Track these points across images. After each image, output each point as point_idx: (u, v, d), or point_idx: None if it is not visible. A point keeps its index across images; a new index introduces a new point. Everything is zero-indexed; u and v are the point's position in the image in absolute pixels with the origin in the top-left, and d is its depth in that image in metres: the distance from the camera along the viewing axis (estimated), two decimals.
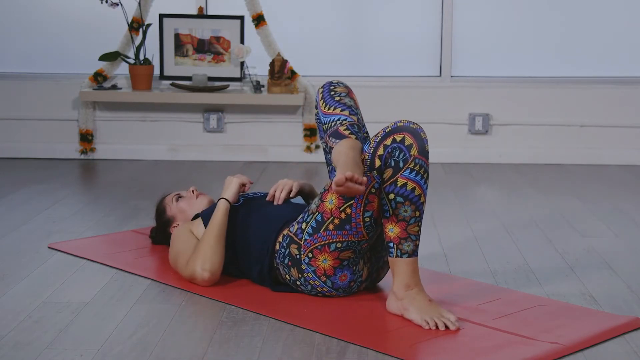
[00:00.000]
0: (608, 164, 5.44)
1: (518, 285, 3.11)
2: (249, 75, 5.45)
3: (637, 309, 2.87)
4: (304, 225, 2.85)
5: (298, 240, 2.86)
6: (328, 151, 2.90)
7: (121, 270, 3.23)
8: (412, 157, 2.71)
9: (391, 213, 2.73)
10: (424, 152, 2.73)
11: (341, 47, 5.65)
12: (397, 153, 2.71)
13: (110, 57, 5.41)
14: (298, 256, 2.86)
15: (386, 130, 2.76)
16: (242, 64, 5.46)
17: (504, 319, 2.73)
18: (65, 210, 4.15)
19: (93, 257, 3.37)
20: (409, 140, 2.72)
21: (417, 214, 2.73)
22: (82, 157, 5.52)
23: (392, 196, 2.72)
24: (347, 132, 2.81)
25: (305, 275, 2.87)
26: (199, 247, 3.00)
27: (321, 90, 2.98)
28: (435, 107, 5.50)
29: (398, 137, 2.73)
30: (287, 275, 2.93)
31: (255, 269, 2.99)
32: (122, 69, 5.52)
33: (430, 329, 2.65)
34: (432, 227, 3.87)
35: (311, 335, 2.62)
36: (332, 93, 2.94)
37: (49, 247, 3.52)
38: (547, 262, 3.38)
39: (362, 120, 2.95)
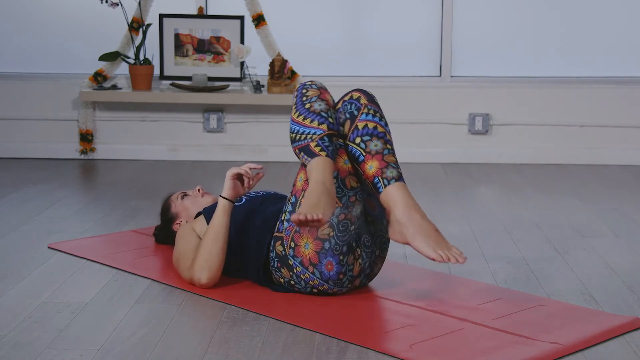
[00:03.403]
0: (608, 164, 5.44)
1: (518, 285, 3.10)
2: (249, 75, 5.45)
3: (637, 309, 2.86)
4: (283, 216, 2.90)
5: (280, 235, 2.88)
6: (300, 160, 2.89)
7: (121, 270, 3.23)
8: (363, 105, 2.91)
9: (364, 153, 2.85)
10: (373, 101, 2.93)
11: (341, 46, 5.65)
12: (349, 107, 2.92)
13: (110, 57, 5.41)
14: (283, 252, 2.87)
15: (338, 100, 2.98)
16: (242, 64, 5.45)
17: (504, 319, 2.73)
18: (65, 210, 4.15)
19: (93, 257, 3.37)
20: (356, 94, 2.94)
21: (388, 146, 2.87)
22: (82, 157, 5.52)
23: (358, 140, 2.87)
24: (317, 149, 2.81)
25: (295, 270, 2.87)
26: (197, 253, 2.99)
27: (295, 94, 2.96)
28: (435, 107, 5.50)
29: (346, 97, 2.95)
30: (280, 279, 2.93)
31: (254, 271, 2.99)
32: (122, 69, 5.52)
33: (442, 260, 2.73)
34: None
35: (311, 335, 2.62)
36: (304, 99, 2.91)
37: (49, 247, 3.52)
38: (547, 263, 3.38)
39: (334, 118, 2.89)
